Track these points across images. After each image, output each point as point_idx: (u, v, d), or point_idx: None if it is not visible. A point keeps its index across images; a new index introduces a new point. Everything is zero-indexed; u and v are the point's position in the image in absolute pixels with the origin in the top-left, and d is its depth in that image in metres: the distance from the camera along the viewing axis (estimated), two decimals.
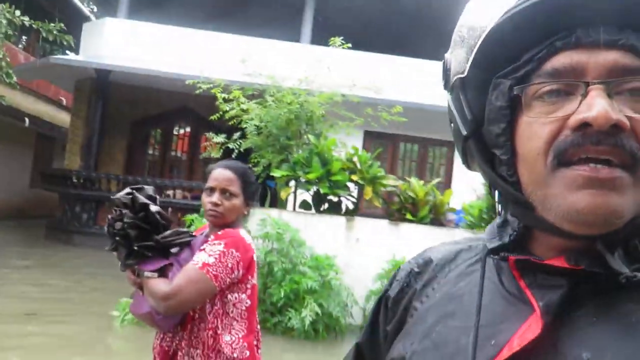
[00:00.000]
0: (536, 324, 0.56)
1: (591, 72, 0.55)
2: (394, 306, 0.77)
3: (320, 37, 11.10)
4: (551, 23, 0.56)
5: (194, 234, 2.05)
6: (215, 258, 1.80)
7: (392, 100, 8.71)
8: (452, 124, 0.69)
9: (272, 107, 6.82)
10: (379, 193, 6.84)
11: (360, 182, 6.70)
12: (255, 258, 2.00)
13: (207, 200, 1.94)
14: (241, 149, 7.06)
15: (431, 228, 6.66)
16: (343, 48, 7.63)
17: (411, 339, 0.68)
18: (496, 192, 0.67)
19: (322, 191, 6.57)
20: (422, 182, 7.20)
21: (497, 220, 0.69)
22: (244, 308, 1.93)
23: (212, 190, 1.95)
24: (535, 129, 0.57)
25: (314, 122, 7.06)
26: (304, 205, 7.02)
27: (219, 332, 1.85)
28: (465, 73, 0.64)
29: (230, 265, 1.83)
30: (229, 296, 1.89)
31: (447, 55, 0.69)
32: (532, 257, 0.60)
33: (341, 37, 7.48)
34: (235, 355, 1.85)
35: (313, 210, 6.90)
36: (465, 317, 0.63)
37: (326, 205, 6.93)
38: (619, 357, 0.51)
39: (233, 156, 6.90)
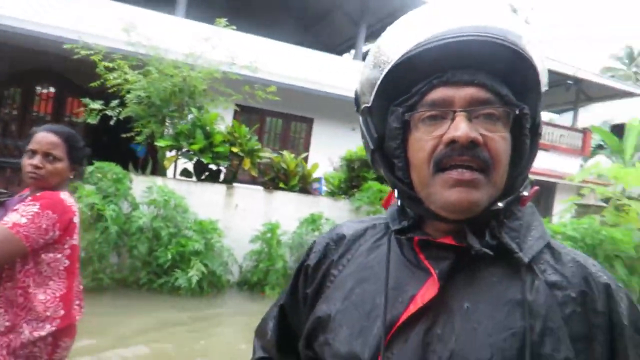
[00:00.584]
0: (433, 286, 0.70)
1: (457, 103, 0.69)
2: (313, 273, 0.86)
3: (195, 12, 10.55)
4: (430, 67, 0.70)
5: (21, 194, 1.88)
6: (28, 219, 1.66)
7: (265, 80, 8.71)
8: (363, 139, 0.81)
9: (156, 78, 6.41)
10: (255, 164, 6.91)
11: (240, 153, 6.69)
12: (76, 220, 1.85)
13: (27, 162, 1.77)
14: (120, 117, 6.54)
15: (300, 195, 6.96)
16: (230, 29, 7.38)
17: (334, 301, 0.78)
18: (396, 190, 0.78)
19: (205, 161, 6.44)
20: (292, 155, 7.42)
21: (396, 207, 0.82)
22: (61, 268, 1.79)
23: (33, 152, 1.78)
24: (421, 144, 0.70)
25: (196, 95, 6.80)
26: (185, 173, 6.81)
27: (30, 290, 1.71)
28: (370, 103, 0.76)
29: (44, 226, 1.69)
30: (43, 256, 1.74)
31: (357, 88, 0.81)
32: (430, 237, 0.73)
33: (225, 19, 7.24)
34: (48, 313, 1.72)
35: (194, 178, 6.73)
36: (378, 281, 0.75)
37: (206, 174, 6.81)
38: (487, 304, 0.68)
39: (111, 123, 6.39)
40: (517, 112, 0.70)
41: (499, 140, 0.68)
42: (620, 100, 16.98)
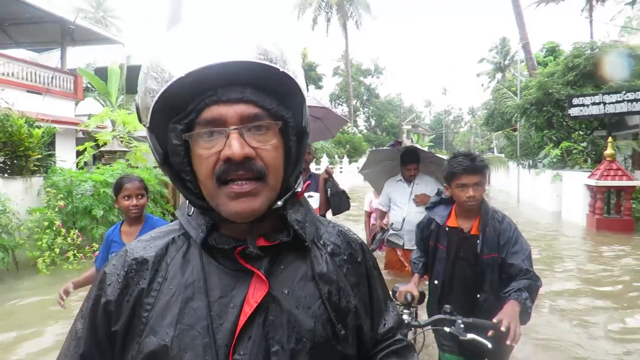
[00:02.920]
0: (260, 284, 0.77)
1: (230, 120, 0.73)
2: (117, 308, 0.79)
3: None
4: (202, 85, 0.73)
5: None
6: None
7: None
8: (154, 154, 0.82)
9: None
10: None
11: None
12: None
13: None
14: None
15: None
16: None
17: (165, 329, 0.75)
18: (187, 201, 0.83)
19: None
20: None
21: (189, 215, 0.84)
22: None
23: None
24: (202, 160, 0.75)
25: None
26: None
27: None
28: (148, 124, 0.77)
29: None
30: None
31: (136, 100, 0.80)
32: (247, 246, 0.78)
33: None
34: None
35: None
36: (203, 296, 0.77)
37: None
38: (298, 285, 0.81)
39: None
40: (280, 123, 0.78)
41: (270, 149, 0.76)
42: (102, 44, 17.91)
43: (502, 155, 23.13)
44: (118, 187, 2.84)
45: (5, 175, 7.49)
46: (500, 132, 23.30)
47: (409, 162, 4.60)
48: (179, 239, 0.84)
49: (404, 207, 4.65)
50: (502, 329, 1.87)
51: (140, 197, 2.84)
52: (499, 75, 49.19)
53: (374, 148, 5.43)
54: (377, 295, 0.95)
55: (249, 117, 0.74)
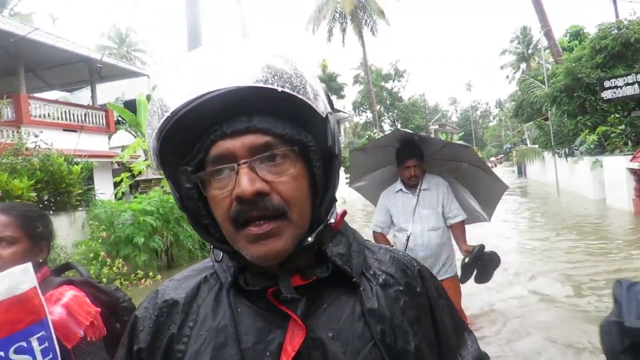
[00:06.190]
0: (298, 329, 0.69)
1: (239, 154, 0.66)
2: (149, 356, 0.75)
3: None
4: (206, 120, 0.66)
5: None
6: None
7: None
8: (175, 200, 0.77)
9: None
10: None
11: None
12: None
13: None
14: None
15: None
16: None
17: None
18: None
19: None
20: None
21: (217, 261, 0.78)
22: None
23: None
24: (217, 202, 0.68)
25: None
26: None
27: None
28: (157, 167, 0.74)
29: None
30: None
31: (147, 143, 0.74)
32: (281, 287, 0.70)
33: None
34: None
35: None
36: (235, 342, 0.69)
37: None
38: (344, 327, 0.71)
39: None
40: (296, 148, 0.69)
41: (288, 180, 0.67)
42: (128, 79, 18.58)
43: (536, 145, 22.56)
44: None
45: (51, 212, 7.83)
46: (532, 122, 22.79)
47: (407, 157, 3.31)
48: (212, 277, 0.77)
49: (407, 225, 3.38)
50: None
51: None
52: (523, 66, 48.30)
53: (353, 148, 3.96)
54: (444, 328, 0.81)
55: (258, 147, 0.66)
